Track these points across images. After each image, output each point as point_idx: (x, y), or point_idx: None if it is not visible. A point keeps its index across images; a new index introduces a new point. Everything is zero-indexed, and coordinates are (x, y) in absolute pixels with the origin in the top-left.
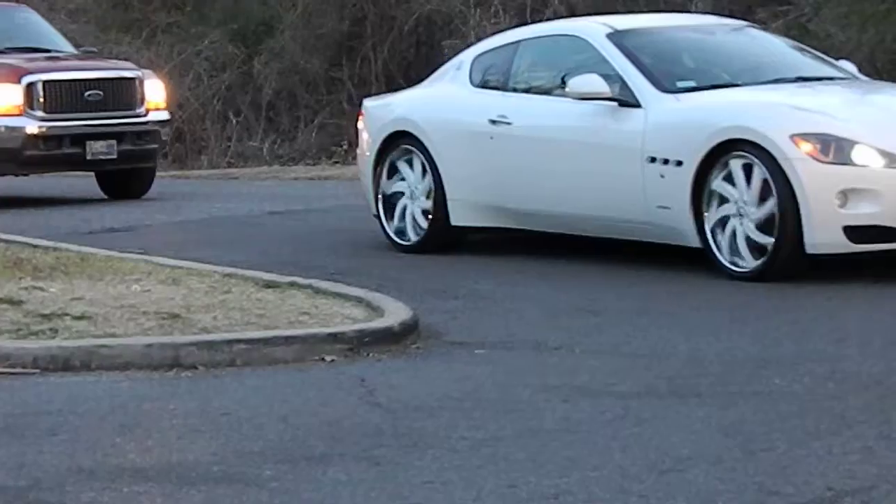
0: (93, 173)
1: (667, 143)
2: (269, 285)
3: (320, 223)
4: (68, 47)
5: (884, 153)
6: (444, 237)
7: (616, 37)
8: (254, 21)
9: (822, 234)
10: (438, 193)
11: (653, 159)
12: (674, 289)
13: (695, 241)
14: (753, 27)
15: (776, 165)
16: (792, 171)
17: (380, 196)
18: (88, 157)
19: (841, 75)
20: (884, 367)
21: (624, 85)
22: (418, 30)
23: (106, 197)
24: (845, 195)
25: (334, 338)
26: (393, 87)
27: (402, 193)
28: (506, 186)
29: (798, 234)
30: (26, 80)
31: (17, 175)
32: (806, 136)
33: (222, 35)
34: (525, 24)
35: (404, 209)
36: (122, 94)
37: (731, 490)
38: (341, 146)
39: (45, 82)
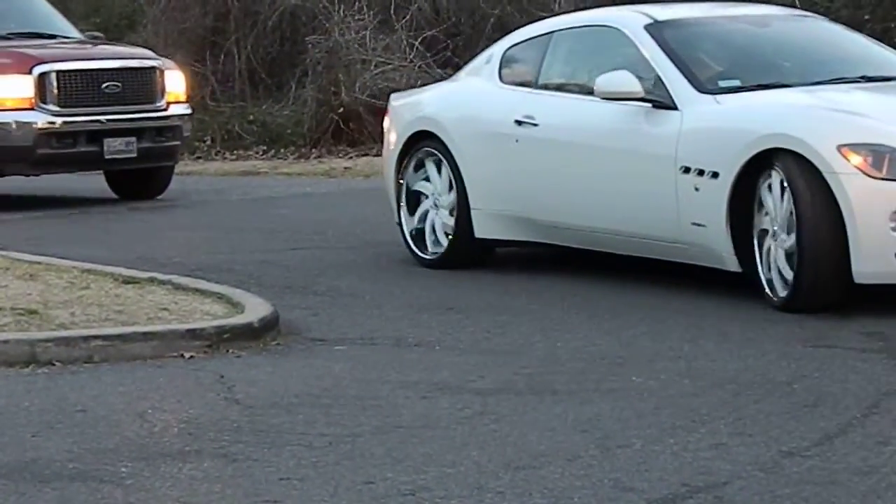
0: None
1: (702, 152)
2: (129, 281)
3: (181, 219)
4: (75, 32)
5: None
6: (467, 251)
7: (655, 28)
8: (116, 15)
9: (873, 261)
10: (462, 202)
11: (687, 169)
12: (532, 287)
13: (733, 265)
14: (817, 17)
15: (821, 180)
16: (839, 188)
17: (402, 203)
18: (106, 156)
19: None
20: (737, 364)
21: (659, 83)
22: (282, 25)
23: (117, 197)
24: None
25: (193, 334)
26: (256, 82)
27: (426, 196)
28: (530, 196)
29: (844, 260)
30: (38, 69)
31: (27, 175)
32: (856, 147)
33: (84, 28)
34: (389, 20)
35: (427, 218)
36: (142, 86)
37: (587, 486)
38: (203, 142)
39: (59, 73)
